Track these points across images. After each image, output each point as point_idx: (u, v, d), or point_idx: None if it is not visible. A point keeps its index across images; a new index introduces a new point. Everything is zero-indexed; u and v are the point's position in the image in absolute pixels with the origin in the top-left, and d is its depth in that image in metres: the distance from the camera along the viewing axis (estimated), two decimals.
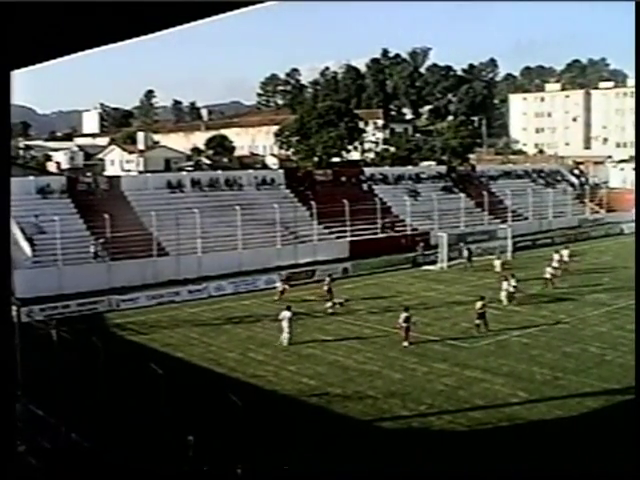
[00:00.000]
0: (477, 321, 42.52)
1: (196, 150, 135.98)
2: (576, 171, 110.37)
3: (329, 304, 48.46)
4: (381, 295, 52.16)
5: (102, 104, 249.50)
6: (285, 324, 40.65)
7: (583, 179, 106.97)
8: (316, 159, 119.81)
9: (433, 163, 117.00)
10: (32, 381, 26.77)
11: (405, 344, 39.08)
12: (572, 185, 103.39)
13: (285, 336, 40.56)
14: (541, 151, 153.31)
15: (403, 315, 39.89)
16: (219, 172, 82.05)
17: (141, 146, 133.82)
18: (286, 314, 40.94)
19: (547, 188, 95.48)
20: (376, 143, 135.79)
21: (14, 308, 24.10)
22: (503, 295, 48.06)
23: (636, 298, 25.12)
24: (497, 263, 56.26)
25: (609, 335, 40.50)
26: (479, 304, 42.87)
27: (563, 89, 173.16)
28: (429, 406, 30.15)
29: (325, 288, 50.87)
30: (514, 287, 48.70)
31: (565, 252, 58.88)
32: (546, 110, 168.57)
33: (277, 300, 50.48)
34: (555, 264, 54.95)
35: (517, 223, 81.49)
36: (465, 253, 64.45)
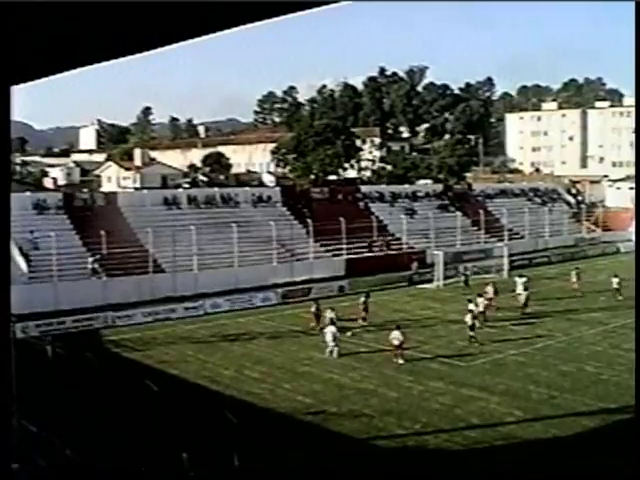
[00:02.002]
0: (471, 333, 43.46)
1: (193, 167, 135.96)
2: (572, 190, 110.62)
3: (360, 322, 48.48)
4: (377, 313, 52.04)
5: (99, 120, 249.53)
6: (329, 338, 40.90)
7: (579, 198, 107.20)
8: (313, 177, 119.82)
9: (430, 181, 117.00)
10: (26, 397, 26.63)
11: (400, 362, 38.99)
12: (568, 204, 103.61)
13: (335, 350, 40.90)
14: (537, 170, 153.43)
15: (395, 333, 39.84)
16: (216, 189, 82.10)
17: (138, 162, 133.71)
18: (331, 329, 41.52)
19: (543, 207, 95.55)
20: (373, 161, 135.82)
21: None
22: (468, 317, 45.45)
23: (636, 310, 25.17)
24: (489, 290, 54.48)
25: (605, 354, 40.50)
26: (468, 318, 43.75)
27: (560, 108, 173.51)
28: (425, 425, 30.08)
29: (361, 307, 50.14)
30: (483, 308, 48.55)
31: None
32: (542, 129, 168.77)
33: (315, 327, 47.49)
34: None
35: (513, 242, 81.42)
36: (462, 277, 64.05)
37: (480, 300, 48.38)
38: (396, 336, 39.65)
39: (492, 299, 50.97)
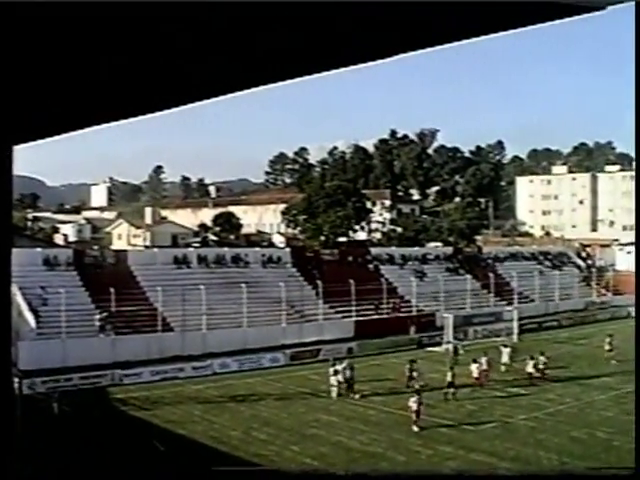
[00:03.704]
0: (450, 390, 44.94)
1: (203, 226, 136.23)
2: (583, 254, 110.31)
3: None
4: (386, 376, 51.68)
5: (111, 178, 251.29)
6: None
7: (590, 262, 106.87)
8: (323, 238, 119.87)
9: (440, 244, 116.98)
10: (32, 454, 26.37)
11: (415, 429, 38.51)
12: (579, 268, 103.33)
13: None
14: (548, 233, 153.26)
15: (414, 398, 39.44)
16: (226, 249, 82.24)
17: (149, 221, 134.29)
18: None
19: (554, 270, 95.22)
20: (383, 223, 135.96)
21: (16, 380, 23.93)
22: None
23: (636, 322, 24.75)
24: (505, 351, 54.84)
25: (617, 420, 40.01)
26: (449, 374, 45.59)
27: (570, 172, 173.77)
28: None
29: (407, 373, 49.08)
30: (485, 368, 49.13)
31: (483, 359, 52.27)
32: (553, 193, 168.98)
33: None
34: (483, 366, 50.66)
35: (523, 305, 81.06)
36: (451, 347, 62.01)
37: (474, 367, 48.77)
38: (414, 401, 39.20)
39: (487, 370, 50.20)
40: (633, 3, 5.48)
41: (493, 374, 50.71)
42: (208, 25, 6.96)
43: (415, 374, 48.49)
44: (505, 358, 53.42)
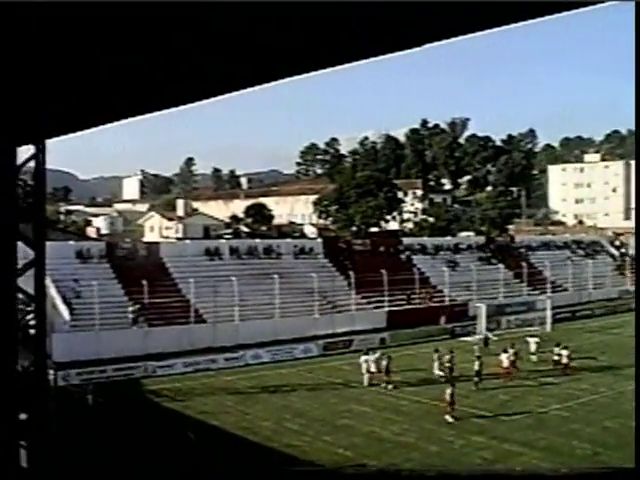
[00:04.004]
0: (475, 379, 45.24)
1: (235, 218, 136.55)
2: (616, 242, 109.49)
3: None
4: (418, 367, 51.63)
5: (142, 171, 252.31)
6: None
7: (623, 250, 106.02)
8: (355, 228, 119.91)
9: (472, 234, 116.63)
10: (67, 445, 26.63)
11: (449, 419, 38.42)
12: (612, 256, 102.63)
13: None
14: (580, 222, 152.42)
15: (448, 389, 39.35)
16: (257, 240, 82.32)
17: (180, 213, 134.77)
18: None
19: (587, 259, 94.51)
20: (415, 213, 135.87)
21: (51, 372, 24.16)
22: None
23: (636, 316, 24.44)
24: (532, 341, 54.80)
25: None
26: (476, 363, 45.95)
27: (602, 160, 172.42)
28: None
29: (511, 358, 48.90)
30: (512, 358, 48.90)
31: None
32: (585, 181, 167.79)
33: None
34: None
35: (556, 294, 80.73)
36: (481, 337, 62.08)
37: (504, 357, 48.68)
38: (449, 392, 39.12)
39: (515, 360, 49.89)
40: (633, 3, 5.46)
41: (524, 364, 50.66)
42: (223, 25, 7.07)
43: (437, 364, 48.78)
44: (533, 348, 53.19)
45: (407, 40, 7.06)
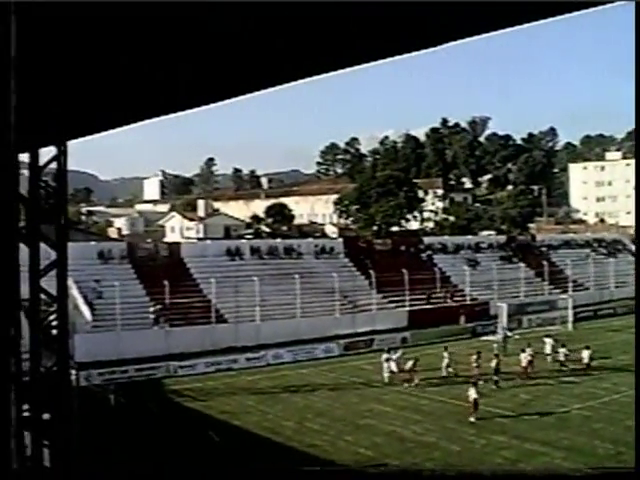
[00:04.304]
0: (494, 377, 45.09)
1: (256, 218, 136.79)
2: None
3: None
4: (439, 366, 51.54)
5: (163, 171, 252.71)
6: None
7: (636, 244, 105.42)
8: (375, 228, 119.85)
9: (493, 232, 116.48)
10: (89, 445, 26.75)
11: (472, 419, 38.34)
12: (634, 254, 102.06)
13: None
14: (602, 220, 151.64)
15: (472, 389, 39.22)
16: (278, 240, 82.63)
17: (201, 213, 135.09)
18: None
19: (608, 258, 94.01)
20: (435, 212, 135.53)
21: (73, 372, 24.26)
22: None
23: (636, 318, 24.18)
24: (547, 341, 54.30)
25: None
26: (494, 361, 46.23)
27: (624, 157, 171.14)
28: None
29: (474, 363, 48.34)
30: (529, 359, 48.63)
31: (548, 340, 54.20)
32: (607, 179, 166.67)
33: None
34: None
35: (578, 293, 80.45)
36: (500, 336, 61.10)
37: (522, 356, 48.61)
38: (472, 393, 39.00)
39: (532, 360, 49.61)
40: (633, 3, 5.44)
41: (544, 364, 50.58)
42: (237, 28, 7.07)
43: (446, 363, 49.10)
44: (548, 349, 52.77)
45: (423, 40, 7.07)
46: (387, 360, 48.77)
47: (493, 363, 46.51)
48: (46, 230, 16.83)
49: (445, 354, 49.84)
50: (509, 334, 61.48)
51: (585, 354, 49.32)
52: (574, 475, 6.11)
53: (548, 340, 53.57)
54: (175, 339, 56.64)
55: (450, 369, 48.84)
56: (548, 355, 52.37)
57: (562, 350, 50.69)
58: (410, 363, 47.33)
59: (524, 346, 50.48)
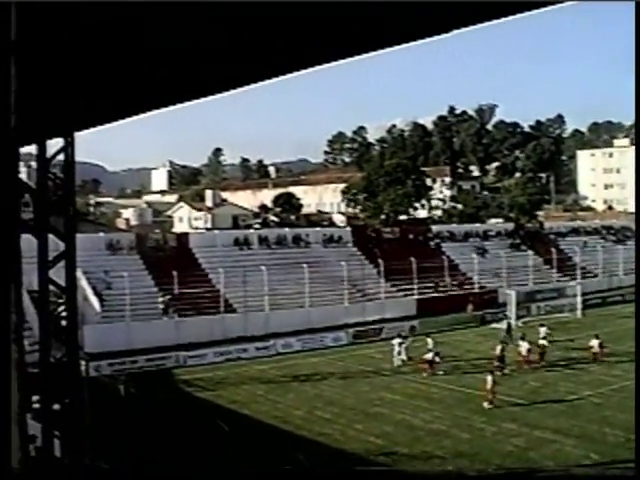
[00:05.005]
0: (497, 363, 44.74)
1: (264, 207, 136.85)
2: None
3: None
4: (449, 354, 51.52)
5: (171, 162, 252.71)
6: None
7: (636, 239, 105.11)
8: (383, 217, 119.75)
9: (501, 220, 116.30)
10: (99, 436, 26.79)
11: (487, 405, 38.30)
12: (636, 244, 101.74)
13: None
14: (610, 207, 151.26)
15: (489, 378, 39.13)
16: (286, 229, 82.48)
17: (209, 203, 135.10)
18: None
19: (617, 245, 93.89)
20: (443, 200, 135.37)
21: (83, 362, 24.32)
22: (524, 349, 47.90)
23: (636, 311, 23.82)
24: (542, 330, 53.27)
25: None
26: (498, 348, 46.16)
27: (632, 144, 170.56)
28: (498, 467, 29.59)
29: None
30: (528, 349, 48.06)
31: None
32: (615, 166, 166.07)
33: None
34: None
35: (587, 280, 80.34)
36: (504, 324, 60.17)
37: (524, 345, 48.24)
38: (489, 380, 38.92)
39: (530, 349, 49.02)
40: (633, 3, 5.41)
41: (554, 352, 50.52)
42: (235, 22, 7.04)
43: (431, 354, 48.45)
44: (541, 337, 51.65)
45: (427, 28, 7.04)
46: (399, 344, 49.94)
47: (497, 351, 46.50)
48: (54, 222, 16.86)
49: (429, 340, 51.06)
50: (513, 322, 61.27)
51: (594, 343, 49.09)
52: (578, 475, 6.13)
53: (542, 329, 52.53)
54: (184, 329, 56.67)
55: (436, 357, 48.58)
56: (542, 343, 50.94)
57: (524, 344, 48.62)
58: (430, 355, 47.28)
59: (527, 334, 50.41)
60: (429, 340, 51.45)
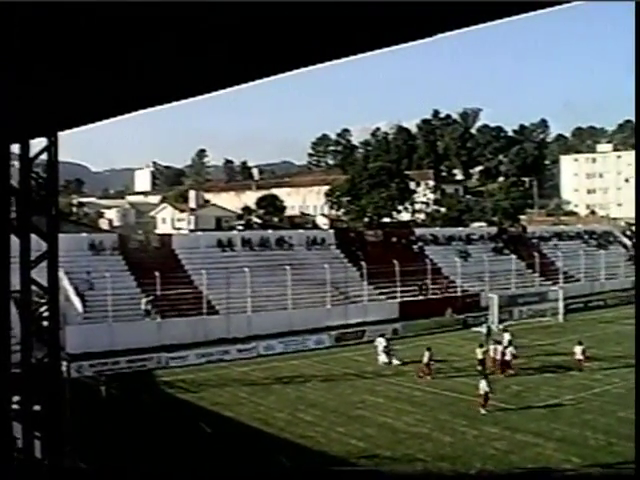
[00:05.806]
0: (478, 367, 45.31)
1: (247, 209, 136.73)
2: (629, 232, 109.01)
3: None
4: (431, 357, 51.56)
5: (154, 162, 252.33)
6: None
7: (636, 240, 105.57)
8: (367, 219, 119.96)
9: (484, 224, 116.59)
10: (80, 437, 26.72)
11: (482, 411, 38.24)
12: (625, 246, 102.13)
13: None
14: (593, 212, 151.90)
15: (483, 382, 39.07)
16: (270, 231, 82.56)
17: (192, 205, 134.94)
18: None
19: (599, 250, 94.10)
20: (427, 204, 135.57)
21: (64, 363, 24.22)
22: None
23: (636, 314, 23.98)
24: (506, 336, 52.61)
25: None
26: (479, 351, 46.90)
27: (615, 150, 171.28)
28: (480, 470, 29.60)
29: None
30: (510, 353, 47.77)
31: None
32: (598, 171, 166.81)
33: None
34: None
35: (569, 285, 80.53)
36: (484, 328, 60.09)
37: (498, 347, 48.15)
38: (483, 386, 38.84)
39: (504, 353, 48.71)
40: (633, 3, 5.41)
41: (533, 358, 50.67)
42: (226, 21, 7.01)
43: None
44: (506, 342, 49.64)
45: (414, 32, 7.04)
46: (380, 344, 51.39)
47: (479, 354, 46.62)
48: (37, 221, 16.79)
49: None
50: (492, 326, 61.32)
51: (577, 349, 48.98)
52: (573, 475, 6.14)
53: (506, 335, 51.92)
54: (166, 330, 56.56)
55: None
56: (506, 349, 48.80)
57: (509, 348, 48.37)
58: (426, 357, 47.09)
59: (498, 339, 50.50)
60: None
